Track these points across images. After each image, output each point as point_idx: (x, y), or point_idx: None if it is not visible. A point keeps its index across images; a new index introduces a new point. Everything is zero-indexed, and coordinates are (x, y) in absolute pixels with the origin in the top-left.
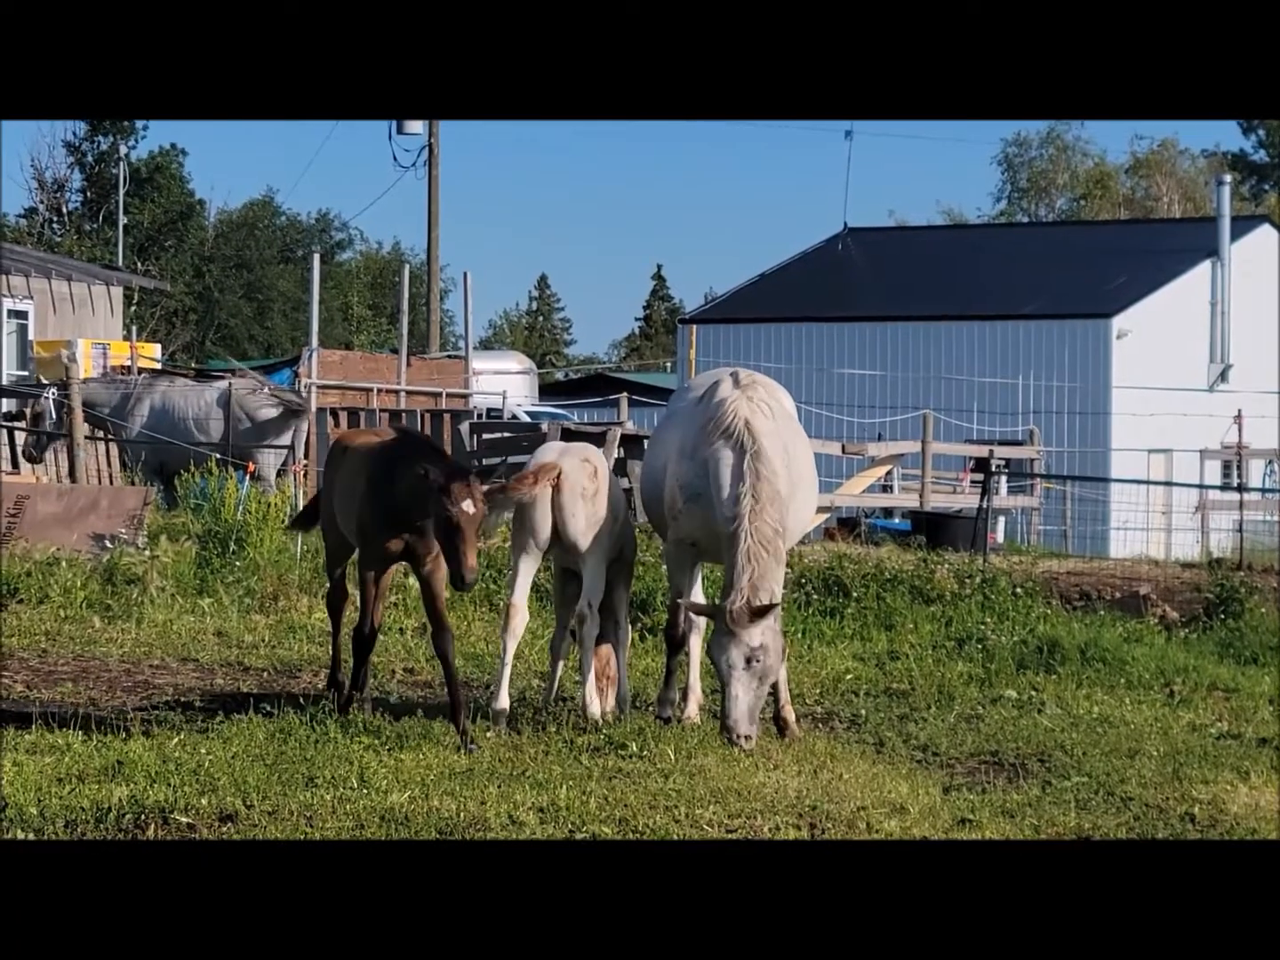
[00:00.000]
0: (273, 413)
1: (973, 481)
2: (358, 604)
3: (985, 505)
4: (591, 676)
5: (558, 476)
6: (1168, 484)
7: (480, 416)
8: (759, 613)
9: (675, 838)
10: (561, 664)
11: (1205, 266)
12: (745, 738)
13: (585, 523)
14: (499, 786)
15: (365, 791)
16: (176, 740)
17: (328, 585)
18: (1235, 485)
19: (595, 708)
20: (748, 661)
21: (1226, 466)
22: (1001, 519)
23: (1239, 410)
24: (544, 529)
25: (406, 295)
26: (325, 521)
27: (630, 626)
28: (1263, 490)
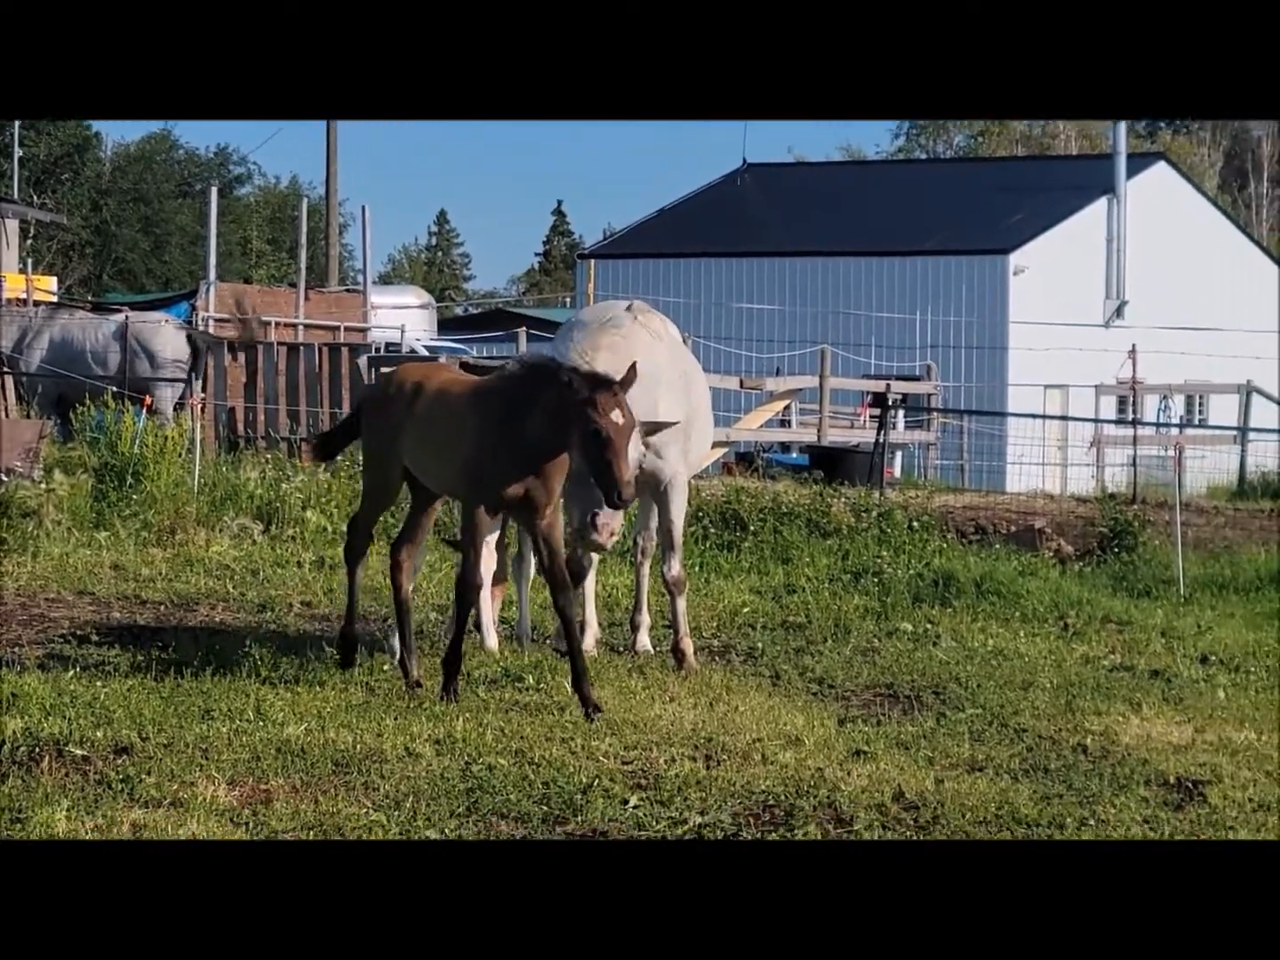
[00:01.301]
0: (180, 350)
1: (870, 416)
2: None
3: (882, 440)
4: (489, 611)
5: None
6: (1063, 419)
7: (378, 351)
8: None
9: (571, 770)
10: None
11: (1102, 203)
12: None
13: None
14: (396, 719)
15: (262, 724)
16: (71, 674)
17: (352, 528)
18: (1129, 420)
19: (492, 640)
20: None
21: (1121, 402)
22: (898, 454)
23: (1133, 345)
24: None
25: (305, 230)
26: (373, 462)
27: (533, 560)
28: (1156, 425)
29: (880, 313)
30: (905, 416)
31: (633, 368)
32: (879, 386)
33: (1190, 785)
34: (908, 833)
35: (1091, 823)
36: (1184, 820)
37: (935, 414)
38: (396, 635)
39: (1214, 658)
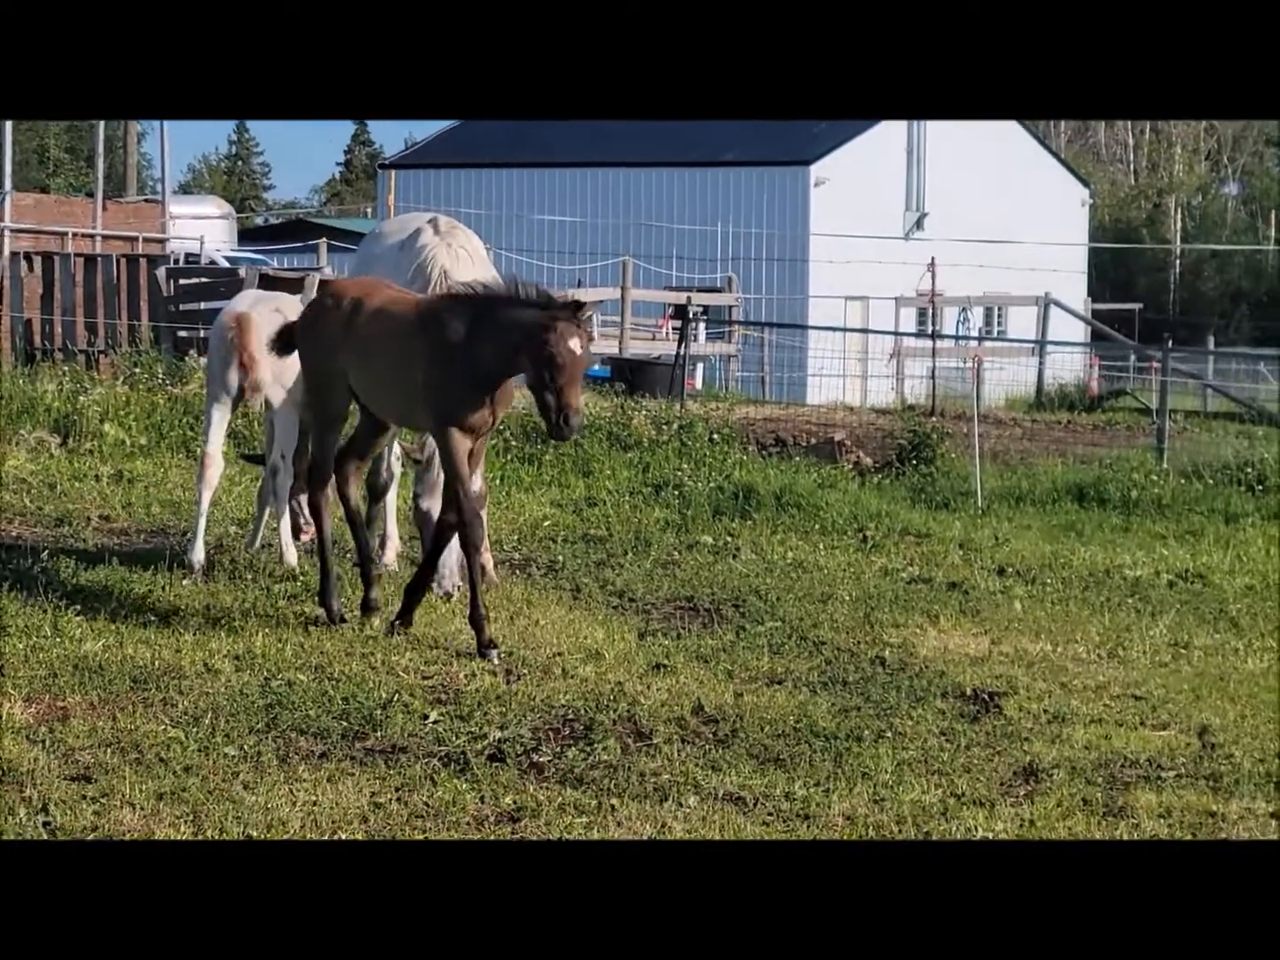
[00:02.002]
0: None
1: (672, 328)
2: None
3: (683, 352)
4: (287, 525)
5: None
6: (863, 331)
7: (177, 262)
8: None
9: (371, 685)
10: (265, 512)
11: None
12: (454, 589)
13: (273, 373)
14: (195, 634)
15: (59, 640)
16: None
17: (308, 465)
18: (929, 333)
19: (292, 556)
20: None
21: (921, 313)
22: (699, 366)
23: (932, 259)
24: (233, 380)
25: (102, 139)
26: (310, 392)
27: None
28: (955, 337)
29: (682, 225)
30: (707, 328)
31: (583, 304)
32: (680, 298)
33: (986, 697)
34: (706, 746)
35: (889, 735)
36: (980, 731)
37: (736, 326)
38: (198, 546)
39: (1010, 569)
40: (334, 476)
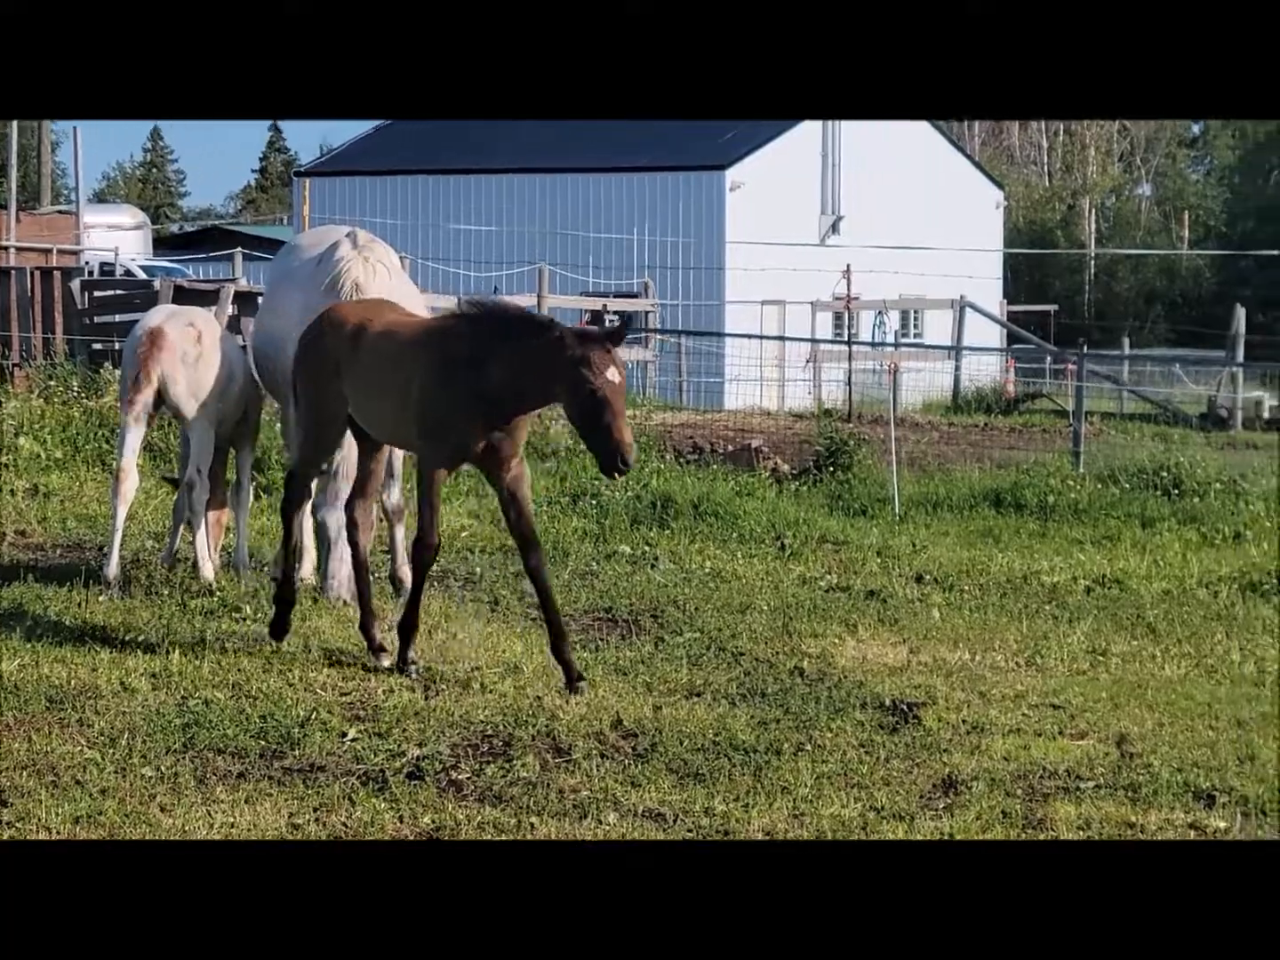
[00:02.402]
0: None
1: None
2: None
3: None
4: (203, 539)
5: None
6: (779, 338)
7: (92, 273)
8: None
9: (289, 702)
10: (181, 527)
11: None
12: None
13: (187, 388)
14: (111, 652)
15: None
16: None
17: (289, 481)
18: (845, 338)
19: (208, 571)
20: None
21: (838, 318)
22: None
23: (848, 265)
24: (147, 393)
25: (16, 148)
26: (310, 409)
27: (251, 488)
28: (871, 343)
29: (597, 233)
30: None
31: (626, 323)
32: (597, 304)
33: (905, 708)
34: (625, 761)
35: (808, 748)
36: (899, 743)
37: (653, 333)
38: (114, 561)
39: (928, 577)
40: (344, 522)
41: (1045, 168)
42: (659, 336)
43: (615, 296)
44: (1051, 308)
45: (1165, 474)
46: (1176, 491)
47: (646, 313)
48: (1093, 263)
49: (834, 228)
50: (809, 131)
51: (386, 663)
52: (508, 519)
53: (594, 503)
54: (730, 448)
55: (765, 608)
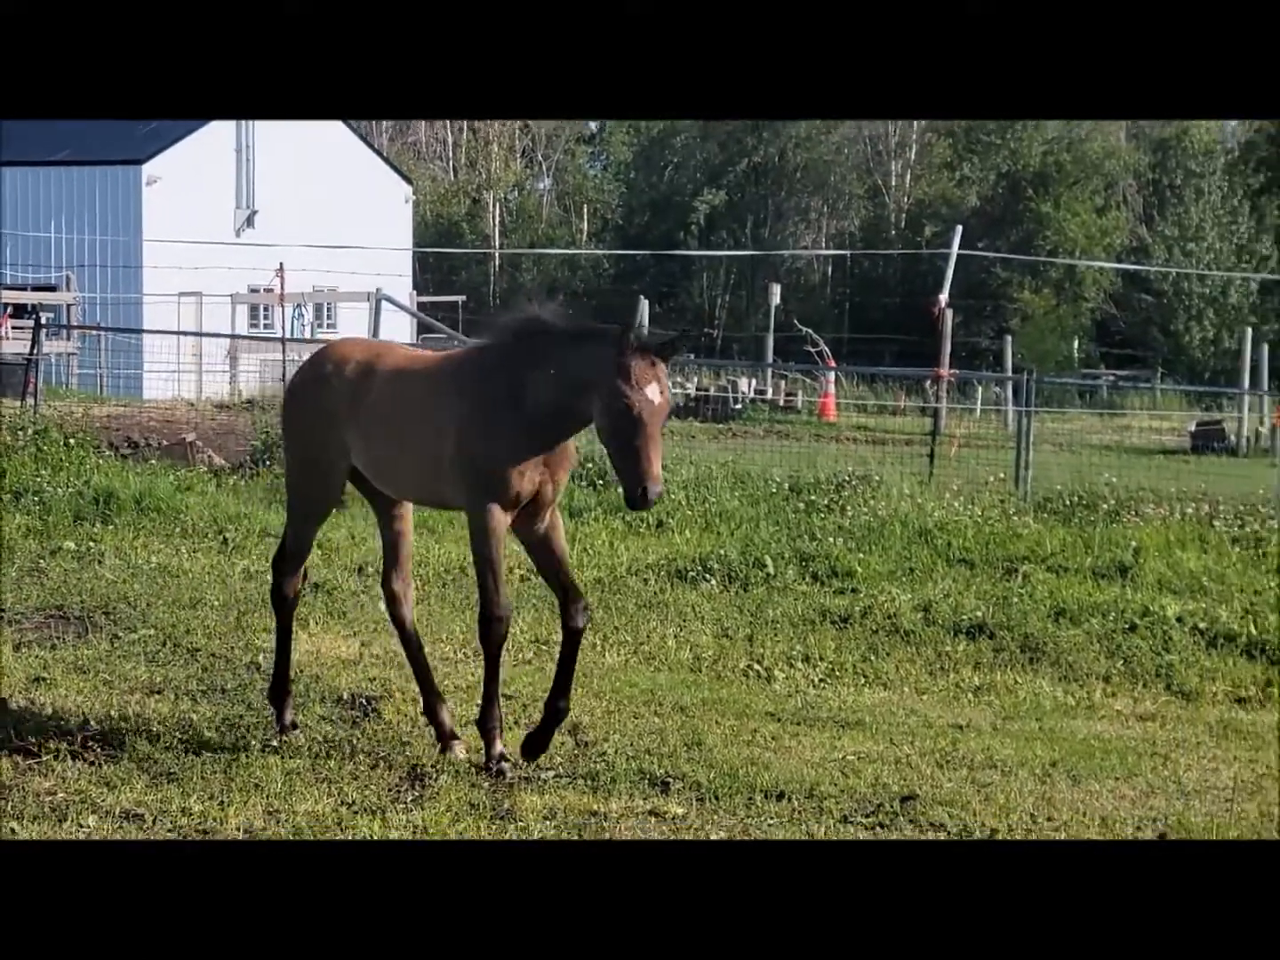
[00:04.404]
0: None
1: (12, 327)
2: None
3: (35, 353)
4: None
5: None
6: (198, 334)
7: None
8: None
9: None
10: None
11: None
12: None
13: None
14: None
15: None
16: None
17: (277, 562)
18: (262, 336)
19: None
20: None
21: (254, 309)
22: (40, 365)
23: (281, 264)
24: None
25: None
26: (304, 469)
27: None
28: (294, 339)
29: (21, 230)
30: (46, 327)
31: (682, 337)
32: (23, 298)
33: (364, 701)
34: (98, 762)
35: (275, 745)
36: (363, 737)
37: (75, 329)
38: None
39: (369, 568)
40: (384, 598)
41: (451, 162)
42: (80, 330)
43: (35, 289)
44: (460, 298)
45: (590, 464)
46: (601, 483)
47: (69, 305)
48: (498, 254)
49: (249, 221)
50: (227, 125)
51: (461, 754)
52: (545, 568)
53: (36, 499)
54: (165, 441)
55: (216, 603)
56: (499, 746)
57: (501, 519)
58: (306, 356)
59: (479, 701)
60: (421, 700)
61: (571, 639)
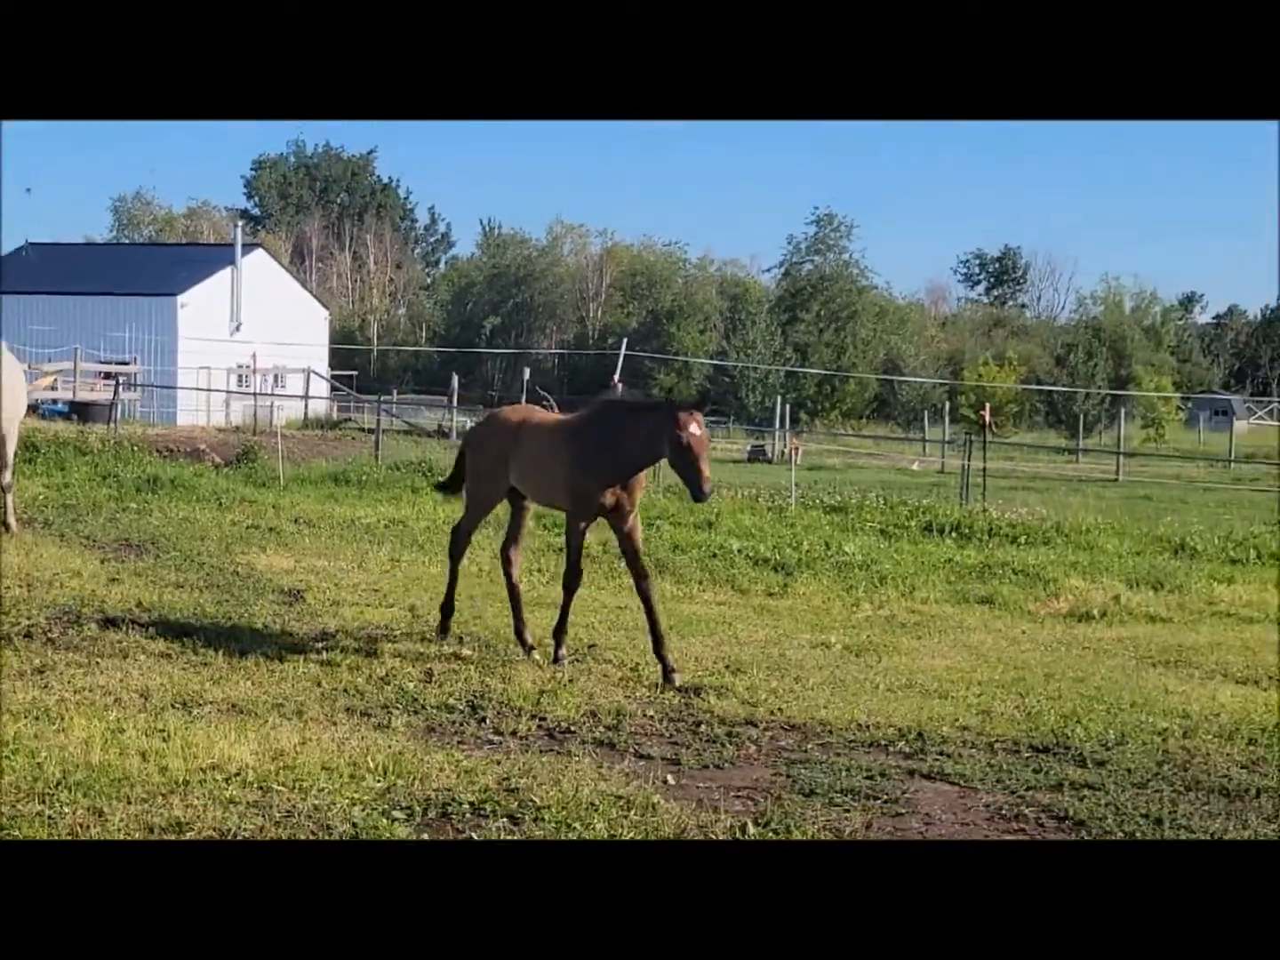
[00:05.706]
0: None
1: (103, 384)
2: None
3: (115, 399)
4: None
5: None
6: (208, 390)
7: None
8: None
9: None
10: None
11: (228, 270)
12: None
13: None
14: None
15: None
16: None
17: (456, 532)
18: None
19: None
20: None
21: (240, 377)
22: (117, 405)
23: (254, 353)
24: None
25: None
26: (483, 481)
27: None
28: (263, 393)
29: (103, 332)
30: (121, 385)
31: (705, 396)
32: (108, 369)
33: (295, 593)
34: None
35: (236, 619)
36: (294, 612)
37: (139, 386)
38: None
39: (301, 520)
40: (501, 560)
41: (350, 296)
42: (141, 387)
43: (116, 364)
44: (354, 373)
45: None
46: (429, 473)
47: (135, 373)
48: (375, 349)
49: (237, 328)
50: (224, 272)
51: (537, 657)
52: (626, 557)
53: (114, 479)
54: (187, 449)
55: (214, 538)
56: (563, 650)
57: (585, 525)
58: (275, 404)
59: (556, 619)
60: (514, 624)
61: (645, 598)
